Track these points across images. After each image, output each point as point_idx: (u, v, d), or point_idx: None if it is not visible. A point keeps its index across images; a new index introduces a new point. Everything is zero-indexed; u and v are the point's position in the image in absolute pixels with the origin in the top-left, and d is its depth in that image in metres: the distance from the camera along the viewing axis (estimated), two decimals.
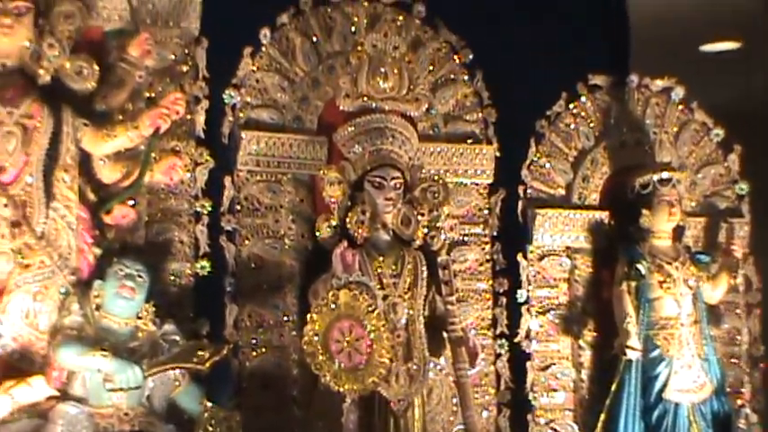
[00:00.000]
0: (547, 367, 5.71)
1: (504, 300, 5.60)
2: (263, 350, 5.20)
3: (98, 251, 4.70)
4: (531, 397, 5.67)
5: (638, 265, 5.54)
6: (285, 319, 5.23)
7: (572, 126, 5.90)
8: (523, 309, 5.69)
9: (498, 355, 5.56)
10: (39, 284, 4.51)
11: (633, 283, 5.54)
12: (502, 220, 5.66)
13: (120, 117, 4.82)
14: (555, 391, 5.70)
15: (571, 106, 5.90)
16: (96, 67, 4.73)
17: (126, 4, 4.87)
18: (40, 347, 4.50)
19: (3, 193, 4.46)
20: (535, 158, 5.83)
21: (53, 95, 4.66)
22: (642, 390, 5.52)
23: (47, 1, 4.67)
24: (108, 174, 4.78)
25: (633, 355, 5.46)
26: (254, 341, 5.19)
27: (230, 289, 5.19)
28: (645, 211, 5.64)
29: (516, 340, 5.65)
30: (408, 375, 4.99)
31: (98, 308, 4.58)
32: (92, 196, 4.76)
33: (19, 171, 4.52)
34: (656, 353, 5.53)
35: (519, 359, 5.65)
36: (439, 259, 5.18)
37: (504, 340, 5.58)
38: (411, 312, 5.07)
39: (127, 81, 4.85)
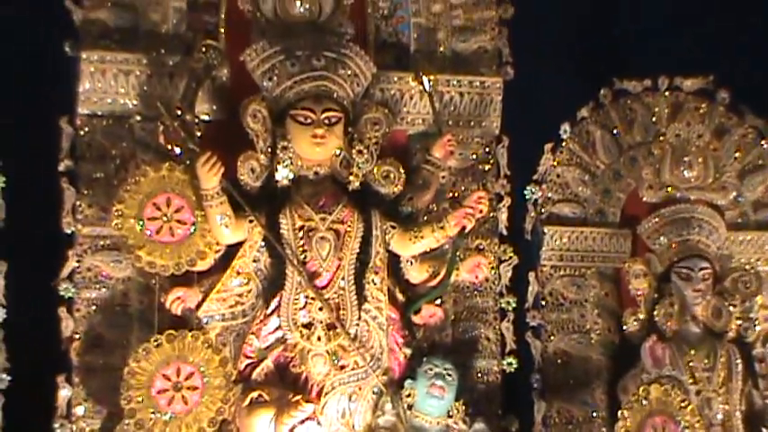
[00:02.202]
0: None
1: None
2: None
3: (408, 351, 4.78)
4: None
5: None
6: (594, 415, 5.17)
7: None
8: None
9: None
10: (353, 385, 4.62)
11: None
12: None
13: (426, 218, 4.93)
14: None
15: None
16: (402, 171, 4.85)
17: (429, 108, 4.98)
18: None
19: (318, 297, 4.61)
20: None
21: (362, 200, 4.81)
22: None
23: (355, 109, 4.85)
24: (415, 274, 4.86)
25: None
26: None
27: (537, 385, 5.19)
28: None
29: None
30: None
31: (410, 407, 4.65)
32: (400, 297, 4.85)
33: (332, 275, 4.66)
34: None
35: None
36: (754, 352, 5.10)
37: None
38: (727, 408, 4.97)
39: (431, 182, 4.94)
